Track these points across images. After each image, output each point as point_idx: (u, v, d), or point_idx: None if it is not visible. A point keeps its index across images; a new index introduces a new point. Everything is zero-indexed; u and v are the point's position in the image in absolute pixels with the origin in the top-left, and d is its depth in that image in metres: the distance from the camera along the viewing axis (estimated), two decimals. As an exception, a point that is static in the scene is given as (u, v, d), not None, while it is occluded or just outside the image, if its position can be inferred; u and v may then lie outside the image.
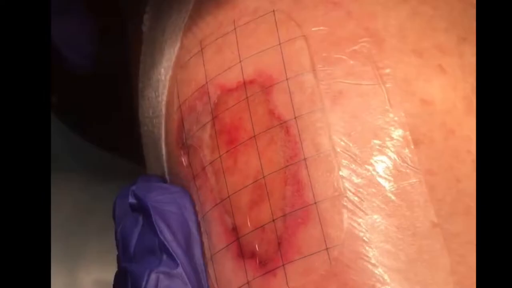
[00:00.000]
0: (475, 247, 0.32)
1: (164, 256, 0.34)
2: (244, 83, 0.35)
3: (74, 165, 0.56)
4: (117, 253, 0.38)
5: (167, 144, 0.39)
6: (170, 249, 0.34)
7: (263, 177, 0.34)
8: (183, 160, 0.37)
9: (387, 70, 0.34)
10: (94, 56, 0.40)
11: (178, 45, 0.39)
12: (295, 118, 0.34)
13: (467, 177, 0.33)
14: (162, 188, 0.37)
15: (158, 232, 0.35)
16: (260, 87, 0.35)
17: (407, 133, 0.33)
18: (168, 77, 0.39)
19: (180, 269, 0.34)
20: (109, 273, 0.48)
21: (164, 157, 0.39)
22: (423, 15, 0.36)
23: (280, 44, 0.35)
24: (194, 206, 0.36)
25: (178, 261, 0.34)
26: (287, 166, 0.34)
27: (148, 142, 0.42)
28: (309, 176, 0.33)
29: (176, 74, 0.39)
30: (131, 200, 0.37)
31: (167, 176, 0.39)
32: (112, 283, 0.39)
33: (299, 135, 0.34)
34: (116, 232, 0.38)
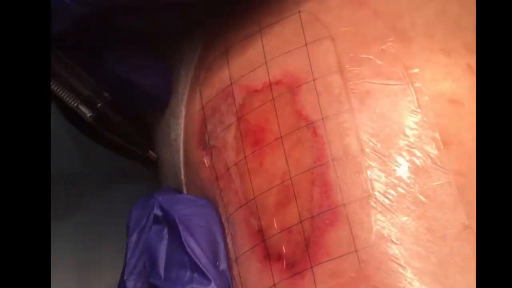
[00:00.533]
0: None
1: (195, 274, 0.34)
2: (270, 84, 0.35)
3: (88, 169, 0.56)
4: (124, 263, 0.38)
5: (186, 145, 0.39)
6: (201, 266, 0.34)
7: (290, 178, 0.33)
8: (205, 161, 0.37)
9: (416, 70, 0.34)
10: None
11: (200, 46, 0.39)
12: (322, 118, 0.33)
13: None
14: (189, 201, 0.37)
15: (188, 249, 0.34)
16: (286, 88, 0.35)
17: (437, 133, 0.33)
18: (189, 78, 0.39)
19: (213, 286, 0.34)
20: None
21: (182, 157, 0.39)
22: (450, 14, 0.35)
23: (306, 44, 0.35)
24: (220, 218, 0.36)
25: (211, 278, 0.34)
26: (314, 167, 0.33)
27: (162, 142, 0.41)
28: (337, 177, 0.33)
29: (199, 75, 0.38)
30: (157, 211, 0.36)
31: (182, 178, 0.39)
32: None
33: (327, 136, 0.33)
34: (128, 241, 0.37)
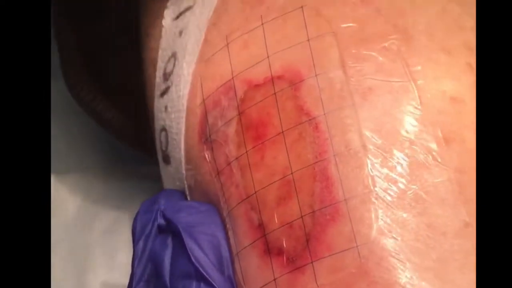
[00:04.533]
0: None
1: (201, 283, 0.34)
2: (272, 78, 0.35)
3: (79, 166, 0.56)
4: (131, 272, 0.37)
5: (187, 139, 0.39)
6: (206, 275, 0.34)
7: (291, 173, 0.33)
8: (206, 155, 0.37)
9: (418, 68, 0.34)
10: None
11: (201, 39, 0.39)
12: (324, 114, 0.34)
13: None
14: (191, 207, 0.37)
15: (192, 258, 0.34)
16: (288, 83, 0.35)
17: (438, 130, 0.33)
18: (190, 71, 0.39)
19: None
20: (116, 276, 0.48)
21: (183, 151, 0.39)
22: (451, 13, 0.36)
23: (309, 40, 0.35)
24: (224, 221, 0.36)
25: (217, 286, 0.34)
26: (316, 162, 0.33)
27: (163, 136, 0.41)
28: (338, 172, 0.33)
29: (200, 69, 0.38)
30: (160, 221, 0.36)
31: (183, 172, 0.39)
32: (119, 285, 0.38)
33: (329, 131, 0.33)
34: (135, 249, 0.37)
